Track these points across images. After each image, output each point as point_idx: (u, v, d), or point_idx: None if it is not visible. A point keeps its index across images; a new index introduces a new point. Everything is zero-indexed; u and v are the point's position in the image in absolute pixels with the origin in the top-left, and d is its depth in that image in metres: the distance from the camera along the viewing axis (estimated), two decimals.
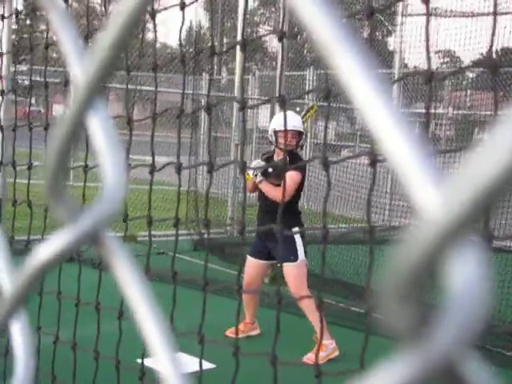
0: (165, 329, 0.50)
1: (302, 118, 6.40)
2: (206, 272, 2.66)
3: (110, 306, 2.94)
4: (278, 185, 5.66)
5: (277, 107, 10.00)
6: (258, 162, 6.26)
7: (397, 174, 0.32)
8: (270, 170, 6.00)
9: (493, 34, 2.09)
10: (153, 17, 2.58)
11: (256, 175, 5.94)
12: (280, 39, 2.33)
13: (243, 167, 2.48)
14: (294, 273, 5.71)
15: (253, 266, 5.98)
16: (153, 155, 2.82)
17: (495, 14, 2.28)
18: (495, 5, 2.36)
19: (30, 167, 3.41)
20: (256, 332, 6.15)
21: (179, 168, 2.68)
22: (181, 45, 2.90)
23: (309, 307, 5.59)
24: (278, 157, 5.92)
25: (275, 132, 5.92)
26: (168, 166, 2.80)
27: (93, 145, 0.53)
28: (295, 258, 5.76)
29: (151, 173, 2.79)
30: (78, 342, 3.21)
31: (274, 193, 5.77)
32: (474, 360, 0.32)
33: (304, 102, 12.39)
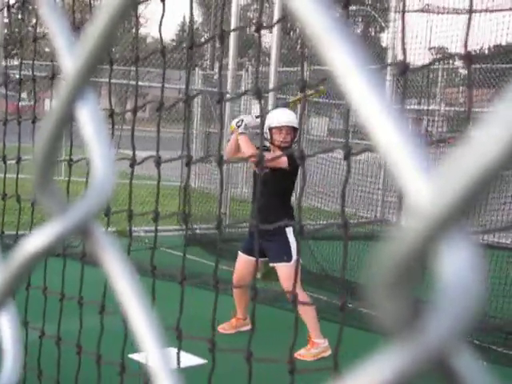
0: (154, 324, 0.50)
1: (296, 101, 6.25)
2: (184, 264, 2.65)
3: (94, 301, 2.94)
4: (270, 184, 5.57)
5: (270, 103, 10.00)
6: (246, 116, 6.00)
7: (388, 165, 0.32)
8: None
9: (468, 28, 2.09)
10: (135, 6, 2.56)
11: (239, 126, 5.74)
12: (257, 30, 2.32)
13: (220, 160, 2.45)
14: (287, 273, 5.64)
15: (244, 262, 5.93)
16: (133, 148, 2.83)
17: (473, 10, 2.28)
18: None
19: (18, 161, 3.39)
20: (247, 327, 6.14)
21: (158, 162, 2.69)
22: (161, 37, 2.89)
23: (301, 306, 5.57)
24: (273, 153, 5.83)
25: (270, 129, 5.83)
26: (149, 159, 2.81)
27: (81, 137, 0.53)
28: (289, 257, 5.69)
29: (132, 166, 2.80)
30: (62, 336, 3.21)
31: (247, 149, 5.59)
32: (466, 353, 0.31)
33: (297, 97, 12.38)
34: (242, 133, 5.75)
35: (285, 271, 5.67)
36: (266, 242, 5.52)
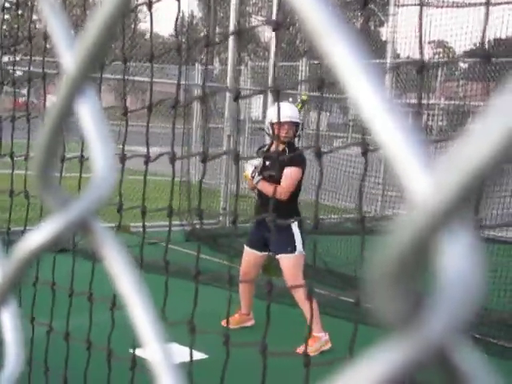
0: (156, 319, 0.50)
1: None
2: (197, 262, 2.66)
3: (103, 296, 2.94)
4: (277, 180, 5.60)
5: (269, 98, 10.00)
6: (253, 162, 6.08)
7: (388, 160, 0.32)
8: (268, 163, 5.92)
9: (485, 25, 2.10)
10: (149, 7, 2.56)
11: (253, 176, 5.83)
12: (274, 30, 2.33)
13: (236, 157, 2.47)
14: (290, 264, 5.69)
15: (250, 256, 5.97)
16: (147, 145, 2.82)
17: (488, 4, 2.28)
18: None
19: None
20: (251, 323, 6.16)
21: (173, 159, 2.68)
22: (177, 35, 2.87)
23: (302, 299, 5.58)
24: (275, 147, 5.84)
25: (272, 124, 5.87)
26: (160, 156, 2.80)
27: (82, 133, 0.53)
28: (292, 249, 5.72)
29: (146, 163, 2.79)
30: (71, 332, 3.21)
31: (270, 191, 5.62)
32: (466, 347, 0.32)
33: (297, 92, 12.40)
34: (258, 181, 5.85)
35: (288, 262, 5.69)
36: (271, 234, 5.52)
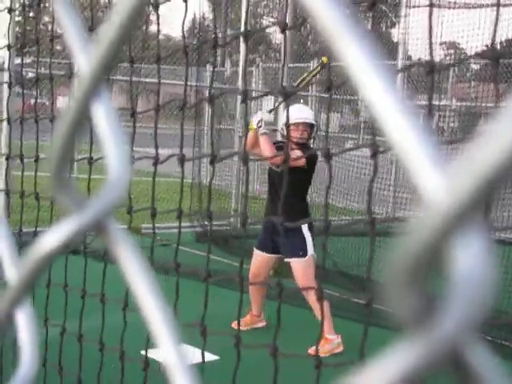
0: (170, 320, 0.50)
1: (308, 76, 6.14)
2: (208, 263, 2.66)
3: (116, 298, 2.94)
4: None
5: (280, 98, 9.98)
6: (262, 113, 5.91)
7: (401, 161, 0.32)
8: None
9: (495, 25, 2.09)
10: (156, 8, 2.58)
11: (260, 126, 5.69)
12: (282, 31, 2.33)
13: (245, 159, 2.47)
14: (302, 268, 5.67)
15: (259, 259, 5.96)
16: (156, 147, 2.82)
17: (498, 5, 2.28)
18: None
19: (36, 160, 3.41)
20: (262, 324, 6.15)
21: (182, 160, 2.68)
22: (184, 36, 2.88)
23: (315, 302, 5.57)
24: (290, 150, 5.78)
25: (287, 126, 5.82)
26: (171, 157, 2.81)
27: (97, 135, 0.53)
28: (304, 253, 5.71)
29: (155, 165, 2.80)
30: (84, 333, 3.22)
31: (268, 150, 5.56)
32: (478, 347, 0.32)
33: (308, 94, 12.39)
34: (263, 133, 5.72)
35: (300, 267, 5.67)
36: (281, 238, 5.53)
